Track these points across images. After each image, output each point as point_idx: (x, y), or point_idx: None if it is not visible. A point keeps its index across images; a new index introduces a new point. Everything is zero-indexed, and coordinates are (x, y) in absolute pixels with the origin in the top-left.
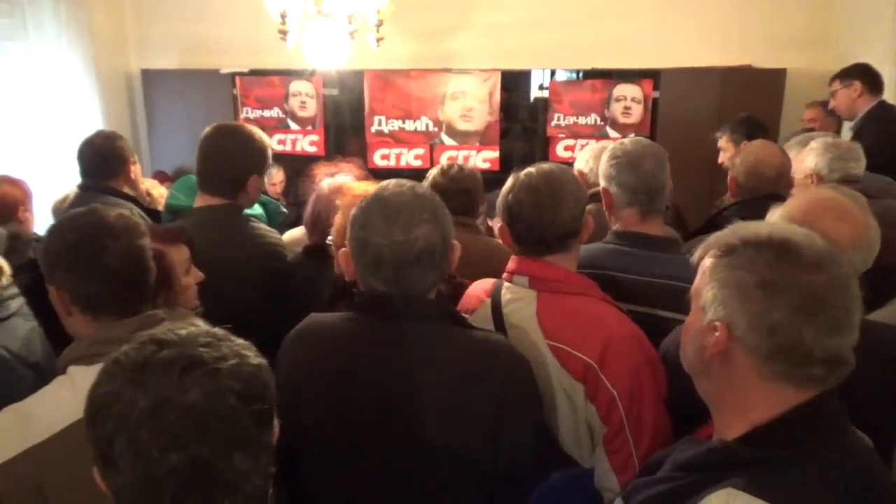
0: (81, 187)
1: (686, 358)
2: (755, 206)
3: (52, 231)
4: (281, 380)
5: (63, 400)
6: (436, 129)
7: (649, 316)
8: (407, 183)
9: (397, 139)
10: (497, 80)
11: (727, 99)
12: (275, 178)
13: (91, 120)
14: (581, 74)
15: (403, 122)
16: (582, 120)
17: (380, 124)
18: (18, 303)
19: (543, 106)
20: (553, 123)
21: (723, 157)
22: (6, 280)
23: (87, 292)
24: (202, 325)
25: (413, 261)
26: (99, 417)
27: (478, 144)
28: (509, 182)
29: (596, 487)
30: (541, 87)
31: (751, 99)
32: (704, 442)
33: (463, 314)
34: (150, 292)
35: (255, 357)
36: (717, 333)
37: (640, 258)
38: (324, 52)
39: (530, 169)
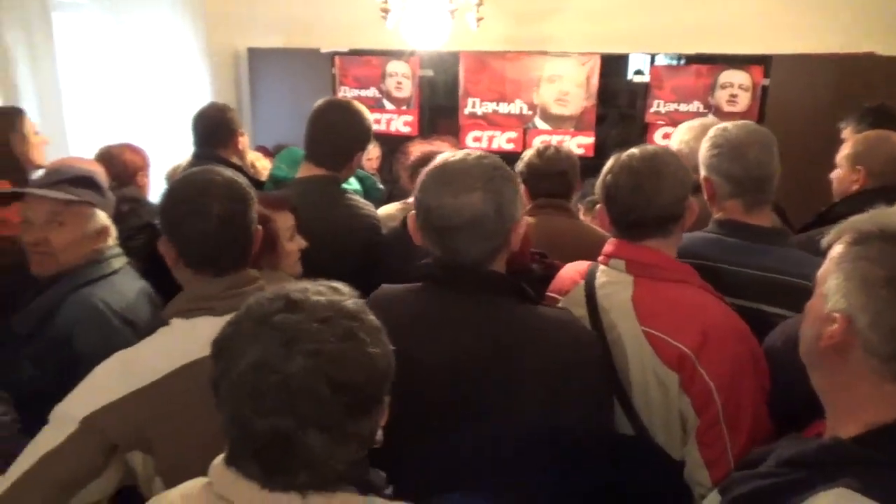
0: (194, 156)
1: (802, 345)
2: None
3: (170, 187)
4: None
5: (163, 349)
6: (530, 112)
7: (753, 311)
8: (475, 153)
9: (490, 122)
10: (596, 63)
11: (845, 89)
12: (371, 153)
13: (201, 94)
14: (685, 59)
15: (497, 105)
16: (683, 107)
17: (473, 106)
18: (122, 262)
19: (643, 91)
20: (652, 110)
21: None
22: (112, 241)
23: (189, 247)
24: (346, 294)
25: (460, 226)
26: (217, 353)
27: (572, 130)
28: (609, 162)
29: (685, 480)
30: (640, 73)
31: (872, 89)
32: (813, 439)
33: (555, 295)
34: (247, 253)
35: (373, 345)
36: (835, 325)
37: (745, 250)
38: (423, 31)
39: (633, 150)
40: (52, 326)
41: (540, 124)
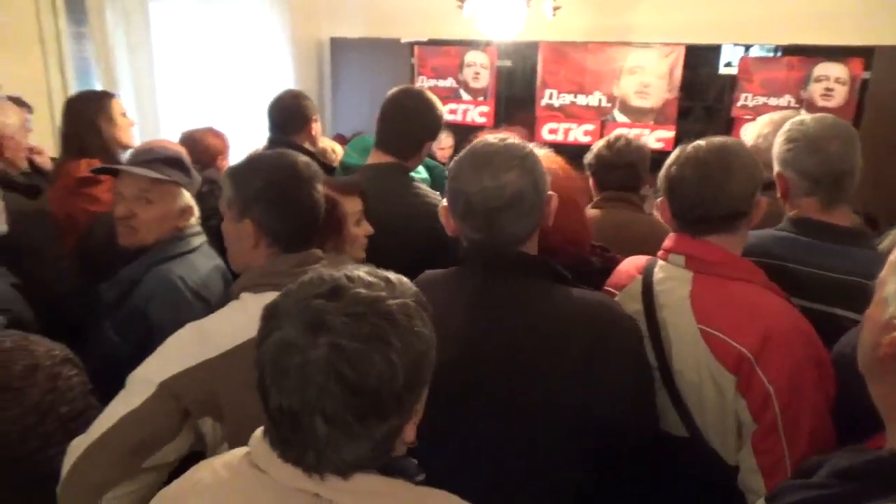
0: (269, 141)
1: (860, 355)
2: None
3: (251, 169)
4: None
5: (236, 321)
6: (609, 104)
7: (825, 314)
8: (499, 135)
9: (567, 114)
10: (680, 55)
11: None
12: (444, 142)
13: (285, 83)
14: (780, 51)
15: (575, 97)
16: (773, 101)
17: (551, 98)
18: (200, 240)
19: (730, 84)
20: (739, 104)
21: None
22: (194, 220)
23: (276, 226)
24: (399, 291)
25: (503, 206)
26: (262, 320)
27: (652, 123)
28: (674, 153)
29: (738, 487)
30: (728, 64)
31: None
32: (870, 451)
33: (611, 290)
34: (314, 233)
35: (401, 352)
36: (894, 333)
37: (820, 250)
38: (498, 20)
39: (700, 141)
40: (133, 297)
41: (619, 117)
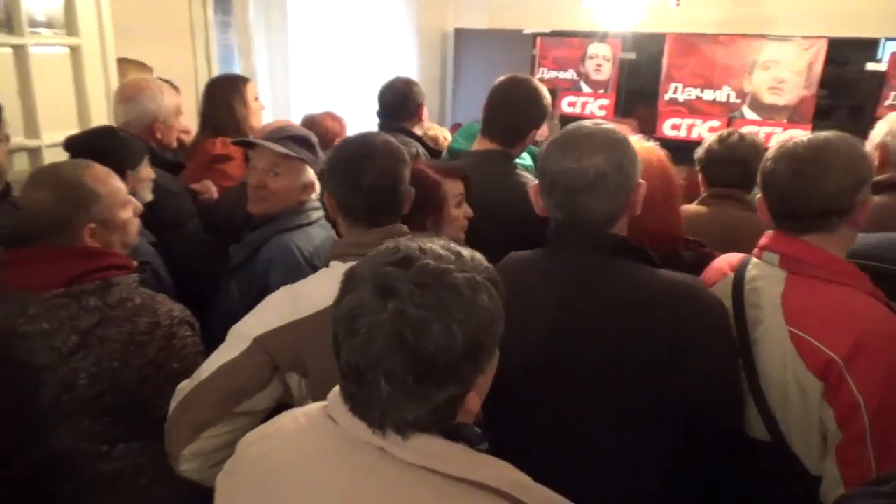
0: (379, 126)
1: None
2: None
3: (336, 148)
4: None
5: (323, 286)
6: (738, 100)
7: None
8: (594, 121)
9: (692, 109)
10: (821, 49)
11: None
12: (555, 131)
13: (408, 72)
14: None
15: (702, 92)
16: None
17: (675, 92)
18: (319, 214)
19: (877, 81)
20: (887, 102)
21: None
22: (314, 195)
23: (345, 201)
24: (470, 265)
25: (584, 187)
26: (342, 282)
27: (785, 121)
28: (774, 147)
29: (820, 498)
30: (876, 60)
31: None
32: None
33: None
34: (397, 209)
35: (463, 323)
36: None
37: None
38: (618, 11)
39: (804, 136)
40: (255, 261)
41: (748, 113)
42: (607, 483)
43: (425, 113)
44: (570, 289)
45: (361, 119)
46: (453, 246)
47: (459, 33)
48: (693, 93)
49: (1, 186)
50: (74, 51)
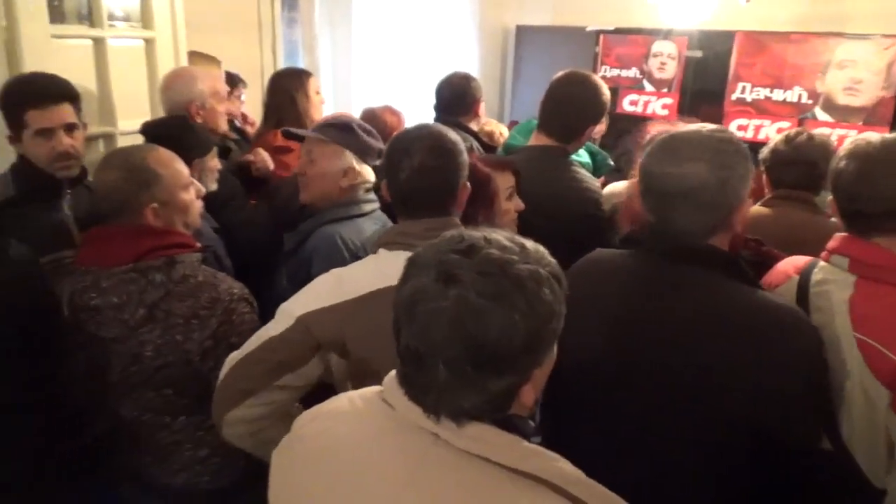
0: (435, 120)
1: None
2: None
3: (390, 139)
4: None
5: (368, 272)
6: (810, 101)
7: None
8: (711, 126)
9: (760, 109)
10: None
11: None
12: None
13: (468, 68)
14: None
15: (771, 92)
16: None
17: (743, 92)
18: (373, 206)
19: None
20: None
21: None
22: (364, 188)
23: (390, 191)
24: (532, 257)
25: (677, 194)
26: (404, 268)
27: (860, 123)
28: (844, 147)
29: None
30: None
31: None
32: None
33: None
34: (446, 202)
35: (524, 315)
36: None
37: None
38: (685, 8)
39: (876, 136)
40: (302, 250)
41: (820, 115)
42: (653, 485)
43: (482, 109)
44: (646, 295)
45: (421, 114)
46: (518, 238)
47: (521, 30)
48: (762, 93)
49: (77, 172)
50: (149, 43)
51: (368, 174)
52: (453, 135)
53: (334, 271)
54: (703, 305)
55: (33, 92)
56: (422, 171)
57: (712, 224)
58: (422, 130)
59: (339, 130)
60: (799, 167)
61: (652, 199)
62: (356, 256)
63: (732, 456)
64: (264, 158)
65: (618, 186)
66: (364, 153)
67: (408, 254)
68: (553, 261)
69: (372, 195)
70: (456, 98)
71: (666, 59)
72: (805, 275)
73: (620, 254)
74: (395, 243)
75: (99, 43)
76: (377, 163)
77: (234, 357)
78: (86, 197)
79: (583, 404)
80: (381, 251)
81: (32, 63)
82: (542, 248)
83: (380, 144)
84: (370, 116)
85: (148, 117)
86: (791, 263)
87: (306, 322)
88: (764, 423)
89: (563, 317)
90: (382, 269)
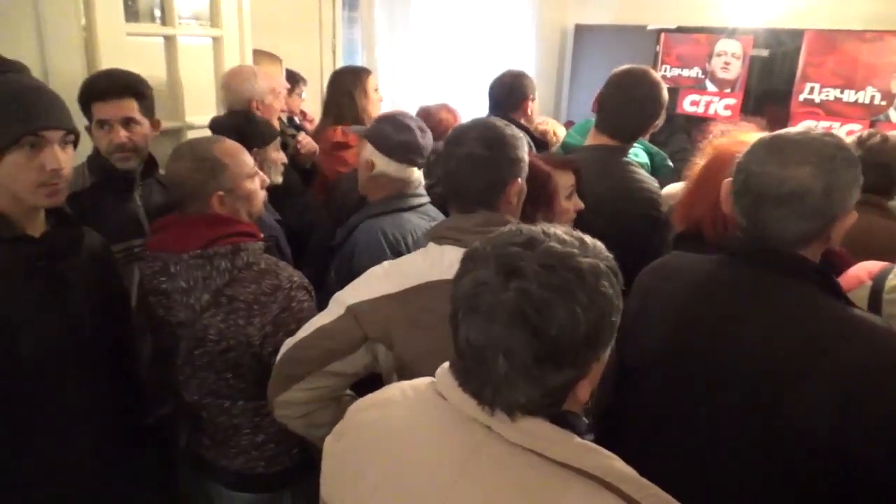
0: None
1: None
2: None
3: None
4: (635, 307)
5: (418, 265)
6: (883, 102)
7: None
8: (820, 130)
9: (829, 111)
10: None
11: None
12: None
13: (524, 67)
14: None
15: (842, 92)
16: None
17: (811, 92)
18: (420, 201)
19: None
20: None
21: None
22: (414, 185)
23: (443, 181)
24: (592, 252)
25: (777, 197)
26: (461, 262)
27: None
28: None
29: None
30: None
31: None
32: None
33: None
34: (488, 195)
35: (586, 308)
36: None
37: None
38: (751, 6)
39: None
40: (348, 242)
41: (894, 117)
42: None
43: (535, 107)
44: (729, 303)
45: (477, 112)
46: (576, 232)
47: (580, 29)
48: (832, 93)
49: (134, 164)
50: (216, 41)
51: (389, 168)
52: (512, 130)
53: (385, 263)
54: (793, 320)
55: (99, 86)
56: (469, 161)
57: (810, 233)
58: (478, 122)
59: (376, 122)
60: (872, 170)
61: (747, 200)
62: (396, 251)
63: (806, 479)
64: (308, 141)
65: (675, 188)
66: (385, 147)
67: (456, 248)
68: (610, 255)
69: (421, 189)
70: (504, 94)
71: (730, 59)
72: (879, 280)
73: (706, 258)
74: (444, 237)
75: (170, 40)
76: (420, 160)
77: (288, 342)
78: (156, 189)
79: (635, 399)
80: (431, 245)
81: (108, 59)
82: (599, 243)
83: (429, 141)
84: (425, 114)
85: (214, 113)
86: (864, 268)
87: (355, 312)
88: (856, 456)
89: (620, 311)
90: (430, 263)
